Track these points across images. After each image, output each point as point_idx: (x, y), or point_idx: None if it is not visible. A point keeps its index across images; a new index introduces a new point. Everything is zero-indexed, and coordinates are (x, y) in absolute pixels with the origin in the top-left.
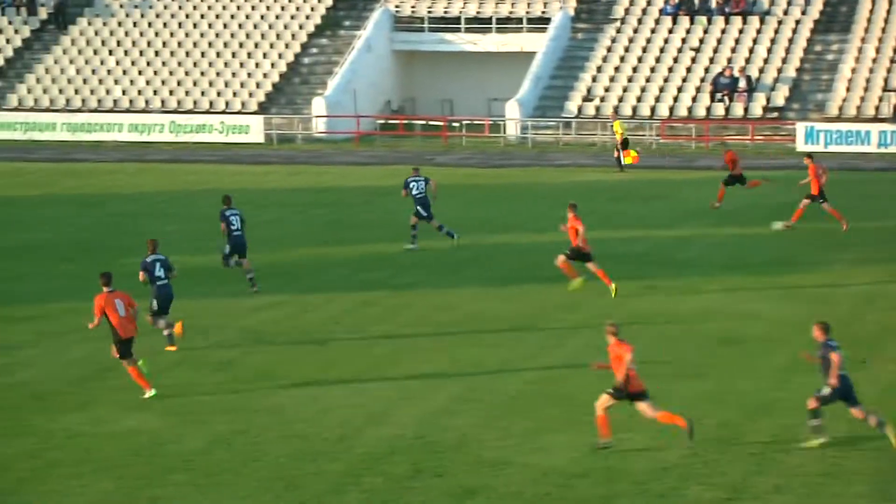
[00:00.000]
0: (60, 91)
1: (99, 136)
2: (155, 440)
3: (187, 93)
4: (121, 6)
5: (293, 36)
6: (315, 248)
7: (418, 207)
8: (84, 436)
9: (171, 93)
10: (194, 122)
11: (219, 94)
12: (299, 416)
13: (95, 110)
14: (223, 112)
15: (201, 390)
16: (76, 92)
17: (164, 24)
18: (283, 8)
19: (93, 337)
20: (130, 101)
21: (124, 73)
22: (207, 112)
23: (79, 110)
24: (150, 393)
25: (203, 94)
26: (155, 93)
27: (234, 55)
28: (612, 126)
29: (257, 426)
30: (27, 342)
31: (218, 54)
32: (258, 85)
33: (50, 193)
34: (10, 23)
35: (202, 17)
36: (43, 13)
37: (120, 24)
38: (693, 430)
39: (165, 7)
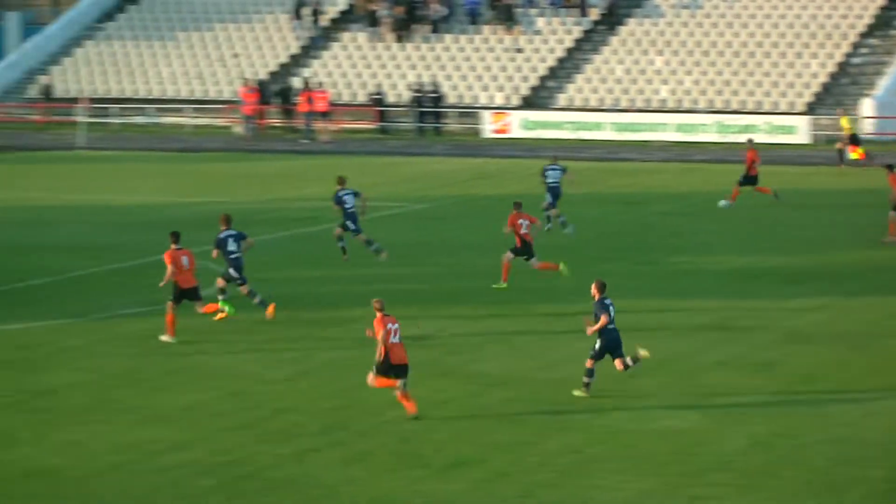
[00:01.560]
0: (608, 91)
1: (645, 136)
2: (694, 439)
3: (734, 93)
4: (670, 7)
5: (843, 36)
6: (862, 250)
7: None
8: (624, 432)
9: (718, 93)
10: (740, 123)
11: (766, 94)
12: (842, 419)
13: (642, 110)
14: (769, 113)
15: (741, 391)
16: (624, 92)
17: (713, 25)
18: (833, 7)
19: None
20: (678, 102)
21: (672, 73)
22: (753, 113)
23: (626, 110)
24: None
25: (750, 94)
26: (702, 93)
27: (782, 55)
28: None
29: (798, 429)
30: (573, 339)
31: (766, 54)
32: (806, 86)
33: (596, 192)
34: (562, 24)
35: (751, 17)
36: (594, 14)
37: (669, 24)
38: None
39: (715, 7)
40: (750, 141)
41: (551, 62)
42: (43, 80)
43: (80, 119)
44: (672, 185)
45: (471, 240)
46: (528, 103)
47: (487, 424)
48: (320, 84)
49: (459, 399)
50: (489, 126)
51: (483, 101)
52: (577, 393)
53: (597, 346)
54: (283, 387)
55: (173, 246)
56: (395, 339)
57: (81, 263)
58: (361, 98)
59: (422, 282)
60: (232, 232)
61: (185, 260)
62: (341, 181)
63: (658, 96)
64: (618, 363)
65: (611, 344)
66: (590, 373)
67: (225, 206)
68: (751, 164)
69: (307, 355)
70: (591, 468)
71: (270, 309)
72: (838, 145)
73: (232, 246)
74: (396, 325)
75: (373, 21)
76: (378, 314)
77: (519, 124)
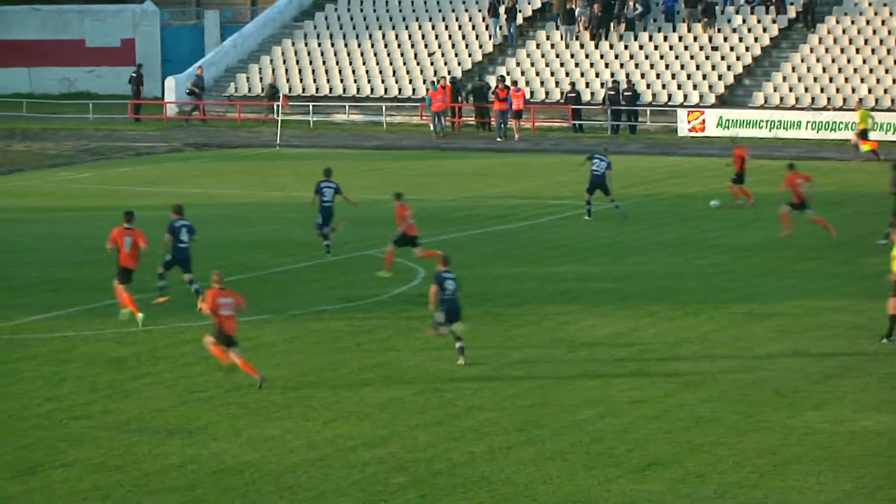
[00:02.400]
0: (806, 89)
1: (844, 135)
2: (892, 441)
3: None
4: (869, 4)
5: None
6: None
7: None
8: (822, 433)
9: None
10: None
11: None
12: None
13: (840, 109)
14: None
15: None
16: (822, 90)
17: None
18: None
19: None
20: (876, 101)
21: (871, 71)
22: None
23: (824, 108)
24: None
25: None
26: None
27: None
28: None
29: None
30: (769, 339)
31: None
32: None
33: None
34: (758, 21)
35: None
36: (792, 12)
37: (868, 22)
38: (263, 383)
39: None
40: (735, 138)
41: (748, 60)
42: (268, 79)
43: (277, 117)
44: (873, 184)
45: (664, 239)
46: (724, 101)
47: (682, 424)
48: (515, 82)
49: (654, 399)
50: (684, 124)
51: (678, 99)
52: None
53: (440, 318)
54: (476, 384)
55: (125, 225)
56: (225, 312)
57: (278, 260)
58: (556, 96)
59: (615, 281)
60: (185, 223)
61: (128, 241)
62: (327, 173)
63: (857, 94)
64: (446, 329)
65: (451, 313)
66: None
67: (421, 203)
68: (741, 161)
69: (501, 353)
70: (787, 469)
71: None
72: (852, 140)
73: (184, 236)
74: (228, 300)
75: (569, 19)
76: (214, 287)
77: (714, 122)
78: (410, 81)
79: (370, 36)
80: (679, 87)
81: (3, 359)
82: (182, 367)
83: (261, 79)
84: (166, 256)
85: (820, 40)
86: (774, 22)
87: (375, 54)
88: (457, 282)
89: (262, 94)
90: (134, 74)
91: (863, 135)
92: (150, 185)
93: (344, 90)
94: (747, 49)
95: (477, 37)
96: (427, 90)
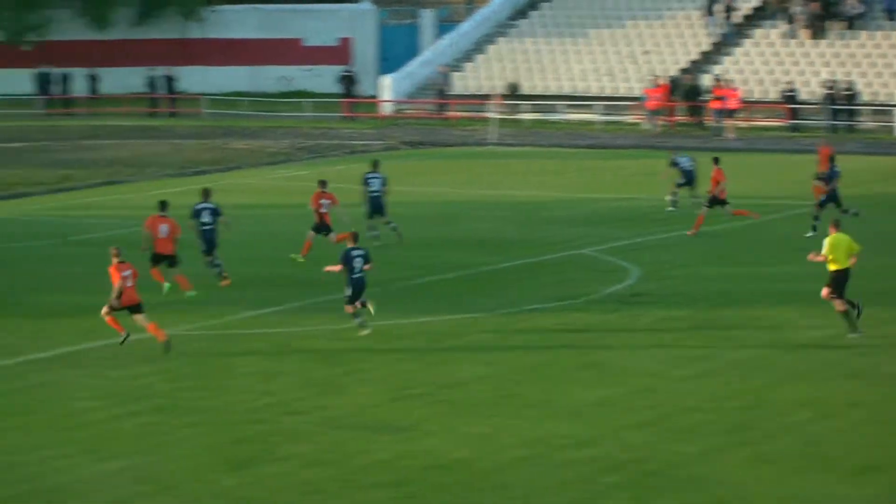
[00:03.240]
0: None
1: None
2: None
3: None
4: None
5: None
6: None
7: None
8: None
9: None
10: None
11: None
12: None
13: None
14: None
15: None
16: None
17: None
18: None
19: None
20: None
21: None
22: None
23: None
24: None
25: None
26: None
27: None
28: None
29: None
30: None
31: None
32: None
33: None
34: None
35: None
36: None
37: None
38: (168, 346)
39: None
40: (716, 160)
41: None
42: (510, 78)
43: (491, 115)
44: None
45: (879, 239)
46: None
47: None
48: (731, 81)
49: (870, 402)
50: None
51: None
52: (361, 334)
53: (348, 292)
54: (689, 385)
55: (160, 213)
56: (128, 284)
57: (489, 259)
58: (773, 95)
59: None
60: (210, 205)
61: (163, 228)
62: (374, 164)
63: None
64: (358, 304)
65: (356, 289)
66: (354, 315)
67: (635, 202)
68: (716, 184)
69: (714, 353)
70: None
71: (225, 282)
72: None
73: (206, 218)
74: (129, 272)
75: (787, 18)
76: (114, 261)
77: None
78: (625, 80)
79: (585, 34)
80: None
81: (220, 354)
82: (394, 364)
83: (476, 77)
84: (200, 244)
85: None
86: None
87: (590, 53)
88: (365, 258)
89: (503, 91)
90: (345, 74)
91: None
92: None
93: (558, 89)
94: None
95: (695, 35)
96: (644, 88)
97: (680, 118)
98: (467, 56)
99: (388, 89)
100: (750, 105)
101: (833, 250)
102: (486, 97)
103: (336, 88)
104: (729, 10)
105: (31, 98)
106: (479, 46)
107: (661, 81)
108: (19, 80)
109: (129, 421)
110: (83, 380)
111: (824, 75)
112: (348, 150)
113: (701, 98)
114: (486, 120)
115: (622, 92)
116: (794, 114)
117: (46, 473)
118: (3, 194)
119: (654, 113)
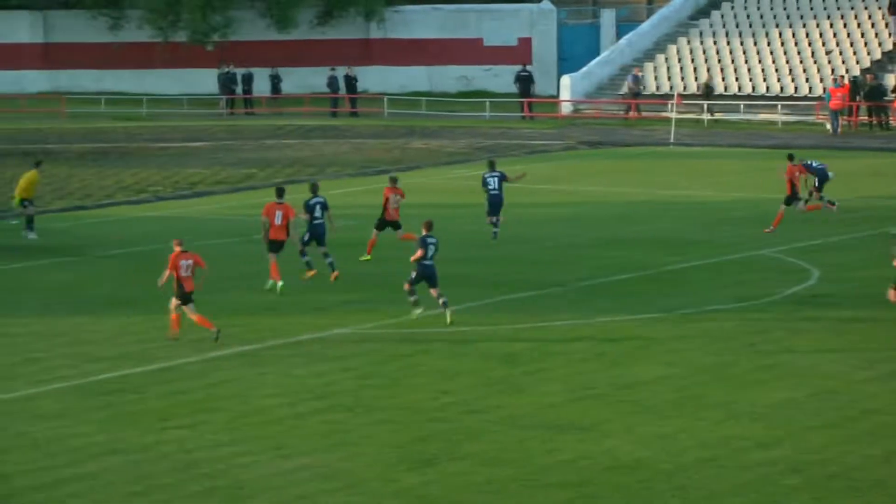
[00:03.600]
0: None
1: None
2: None
3: None
4: None
5: None
6: None
7: None
8: None
9: None
10: None
11: None
12: None
13: None
14: None
15: None
16: None
17: None
18: None
19: None
20: None
21: None
22: None
23: None
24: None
25: None
26: None
27: None
28: None
29: None
30: None
31: None
32: None
33: None
34: None
35: None
36: None
37: None
38: (219, 336)
39: None
40: (791, 157)
41: None
42: (704, 78)
43: (671, 115)
44: None
45: None
46: None
47: None
48: None
49: None
50: None
51: None
52: (413, 313)
53: (413, 275)
54: (873, 387)
55: (276, 200)
56: (186, 273)
57: (669, 259)
58: None
59: None
60: (320, 199)
61: (279, 214)
62: (491, 165)
63: None
64: (433, 292)
65: (426, 273)
66: (410, 293)
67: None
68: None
69: None
70: None
71: (334, 275)
72: None
73: (318, 212)
74: (189, 262)
75: None
76: (176, 249)
77: None
78: (807, 80)
79: (766, 34)
80: None
81: (403, 353)
82: (575, 364)
83: (655, 77)
84: (304, 234)
85: None
86: None
87: (772, 52)
88: (436, 248)
89: (697, 91)
90: (522, 74)
91: None
92: (544, 182)
93: (739, 88)
94: None
95: (876, 34)
96: (828, 87)
97: (863, 118)
98: (647, 56)
99: (567, 89)
100: None
101: None
102: (667, 97)
103: (515, 88)
104: None
105: (215, 98)
106: (658, 46)
107: (846, 80)
108: (203, 80)
109: (312, 418)
110: (265, 377)
111: None
112: (527, 150)
113: (886, 98)
114: (666, 120)
115: (803, 92)
116: None
117: (229, 470)
118: (187, 193)
119: (837, 113)
